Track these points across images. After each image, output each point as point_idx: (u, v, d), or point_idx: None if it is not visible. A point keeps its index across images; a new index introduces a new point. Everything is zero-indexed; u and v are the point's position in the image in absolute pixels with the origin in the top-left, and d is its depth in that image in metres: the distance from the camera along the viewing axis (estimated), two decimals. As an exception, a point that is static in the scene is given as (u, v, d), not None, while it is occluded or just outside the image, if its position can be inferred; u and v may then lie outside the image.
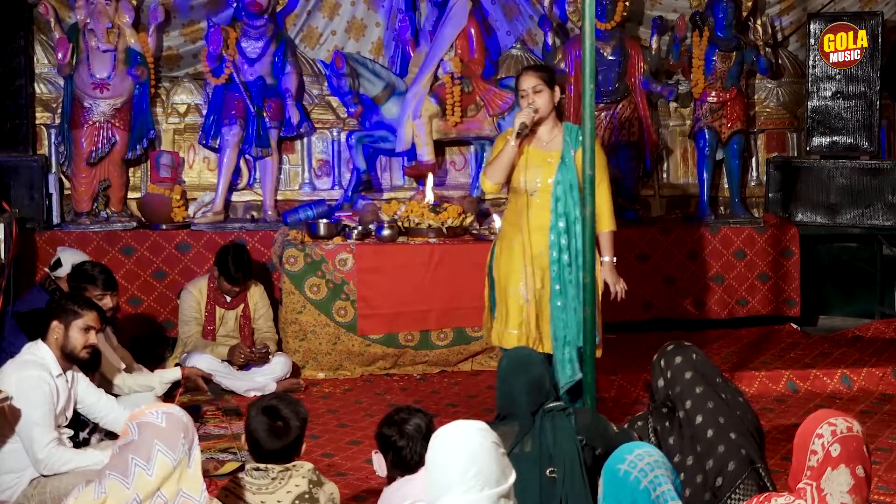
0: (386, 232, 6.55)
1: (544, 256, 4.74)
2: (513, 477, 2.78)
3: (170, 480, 2.88)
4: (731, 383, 4.14)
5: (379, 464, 3.51)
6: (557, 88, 4.82)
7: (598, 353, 4.64)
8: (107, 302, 5.22)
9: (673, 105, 8.01)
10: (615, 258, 4.84)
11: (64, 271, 5.48)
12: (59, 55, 6.95)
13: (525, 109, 4.73)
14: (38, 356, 4.17)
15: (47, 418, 4.06)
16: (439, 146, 7.51)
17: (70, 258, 5.65)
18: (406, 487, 3.36)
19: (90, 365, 4.34)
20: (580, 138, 4.63)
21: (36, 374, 4.09)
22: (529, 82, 4.75)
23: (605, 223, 4.74)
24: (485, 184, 4.90)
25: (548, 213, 4.73)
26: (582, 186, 4.42)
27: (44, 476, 4.07)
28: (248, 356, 6.03)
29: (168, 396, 5.65)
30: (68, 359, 4.21)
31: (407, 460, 3.46)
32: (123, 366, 5.23)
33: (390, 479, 3.46)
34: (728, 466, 3.78)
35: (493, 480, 2.71)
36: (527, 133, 4.72)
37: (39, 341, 4.22)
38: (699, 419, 3.90)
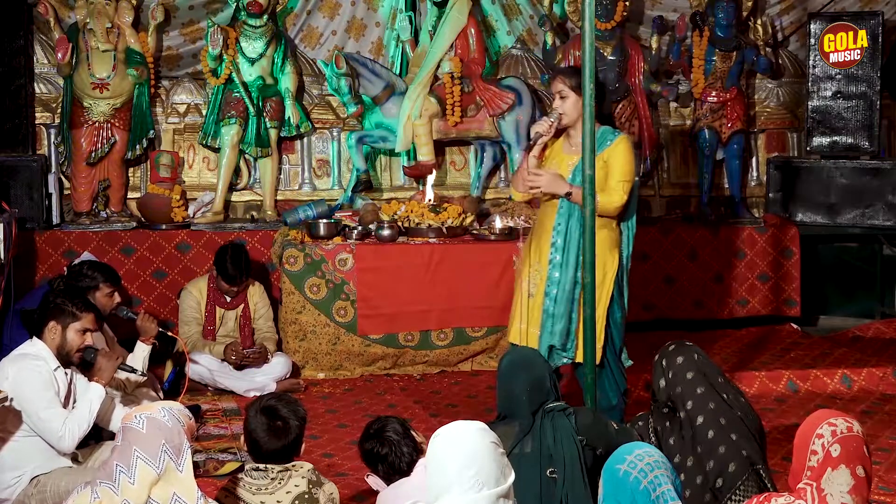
0: (386, 232, 6.55)
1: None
2: (512, 477, 2.77)
3: (158, 486, 2.89)
4: (732, 384, 4.14)
5: (376, 483, 3.53)
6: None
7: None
8: (116, 297, 5.44)
9: (673, 105, 8.00)
10: (569, 194, 4.61)
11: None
12: (59, 55, 6.94)
13: (543, 119, 4.75)
14: (33, 351, 4.19)
15: (53, 400, 4.10)
16: (439, 146, 7.51)
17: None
18: (402, 487, 3.37)
19: (86, 366, 4.34)
20: (608, 142, 4.69)
21: (33, 364, 4.12)
22: (555, 87, 4.76)
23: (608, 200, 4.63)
24: (512, 192, 4.99)
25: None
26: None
27: (71, 457, 4.16)
28: (239, 355, 6.02)
29: (172, 395, 5.66)
30: (63, 360, 4.22)
31: (397, 465, 3.48)
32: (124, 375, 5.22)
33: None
34: (729, 467, 3.78)
35: (493, 480, 2.71)
36: (542, 142, 4.72)
37: (35, 338, 4.23)
38: (700, 419, 3.90)
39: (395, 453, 3.50)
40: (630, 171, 4.67)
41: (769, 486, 3.79)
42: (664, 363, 4.07)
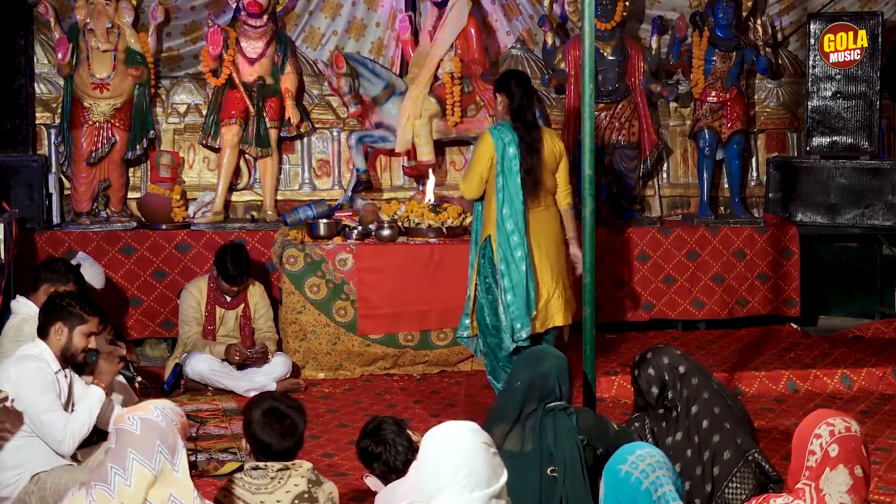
0: (386, 232, 6.55)
1: None
2: (504, 477, 2.77)
3: (154, 487, 2.88)
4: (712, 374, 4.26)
5: (374, 484, 3.53)
6: (498, 95, 5.52)
7: None
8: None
9: (673, 105, 8.00)
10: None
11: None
12: (59, 55, 6.95)
13: None
14: (35, 353, 4.18)
15: (55, 403, 4.09)
16: (439, 146, 7.51)
17: (88, 270, 5.79)
18: (400, 488, 3.37)
19: (83, 367, 4.34)
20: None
21: (35, 366, 4.12)
22: None
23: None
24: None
25: None
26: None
27: (69, 459, 4.13)
28: (242, 355, 6.03)
29: (169, 394, 5.67)
30: (66, 361, 4.22)
31: (392, 464, 3.48)
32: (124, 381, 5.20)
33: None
34: (724, 455, 3.88)
35: (485, 481, 2.70)
36: None
37: (38, 339, 4.23)
38: (695, 409, 4.00)
39: (389, 452, 3.50)
40: (472, 164, 5.61)
41: (767, 468, 3.84)
42: (651, 370, 4.13)
